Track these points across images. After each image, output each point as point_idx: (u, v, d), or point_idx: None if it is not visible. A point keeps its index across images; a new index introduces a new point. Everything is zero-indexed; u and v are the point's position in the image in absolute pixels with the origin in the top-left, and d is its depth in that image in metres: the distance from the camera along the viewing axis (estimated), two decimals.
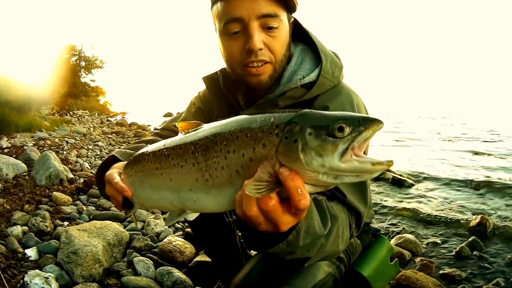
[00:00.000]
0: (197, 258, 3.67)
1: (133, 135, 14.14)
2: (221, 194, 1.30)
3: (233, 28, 1.82)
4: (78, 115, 18.63)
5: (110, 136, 13.55)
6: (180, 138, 1.50)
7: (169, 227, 4.48)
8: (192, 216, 1.64)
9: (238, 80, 1.98)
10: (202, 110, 2.38)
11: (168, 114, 24.64)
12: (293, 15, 2.00)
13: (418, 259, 4.28)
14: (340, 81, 2.01)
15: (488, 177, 9.11)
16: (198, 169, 1.33)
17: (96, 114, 21.65)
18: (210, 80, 2.25)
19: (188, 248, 3.75)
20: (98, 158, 8.89)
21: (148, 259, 3.47)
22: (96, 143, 11.27)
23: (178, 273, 3.21)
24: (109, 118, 20.83)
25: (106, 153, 9.65)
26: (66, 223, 4.39)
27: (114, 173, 1.77)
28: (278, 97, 1.93)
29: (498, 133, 20.48)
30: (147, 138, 2.32)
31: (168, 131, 2.39)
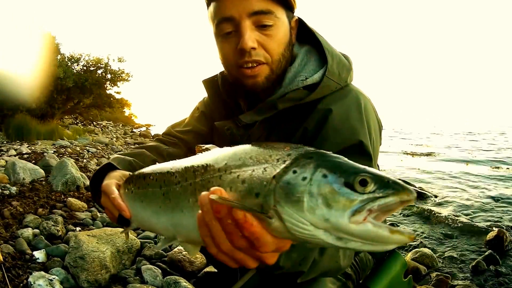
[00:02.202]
0: (207, 269, 3.51)
1: None
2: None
3: (225, 29, 1.68)
4: (102, 126, 18.71)
5: (132, 146, 13.55)
6: (189, 158, 1.39)
7: None
8: (193, 252, 1.35)
9: (236, 83, 1.83)
10: (205, 114, 2.25)
11: None
12: (302, 16, 1.86)
13: (434, 274, 4.15)
14: (348, 83, 1.83)
15: (507, 188, 9.03)
16: (193, 189, 1.20)
17: (121, 125, 21.74)
18: (209, 83, 2.12)
19: (199, 258, 3.58)
20: None
21: (156, 267, 3.33)
22: (117, 153, 11.24)
23: (185, 283, 3.06)
24: (133, 130, 20.93)
25: None
26: (78, 228, 4.29)
27: (112, 185, 1.63)
28: (278, 99, 1.76)
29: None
30: (148, 144, 2.21)
31: (170, 136, 2.26)
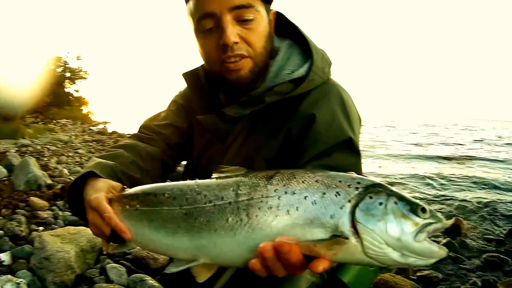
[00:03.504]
0: None
1: (112, 143, 13.91)
2: (250, 237, 1.19)
3: (206, 25, 1.66)
4: (61, 124, 18.37)
5: (90, 144, 13.34)
6: (219, 177, 1.38)
7: None
8: (204, 277, 1.37)
9: (219, 77, 1.80)
10: (184, 107, 2.17)
11: None
12: (278, 9, 1.85)
13: None
14: (329, 77, 1.85)
15: (459, 178, 9.24)
16: (235, 207, 1.22)
17: (79, 123, 21.39)
18: (190, 76, 2.05)
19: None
20: (77, 165, 8.66)
21: (121, 266, 3.31)
22: (76, 151, 11.06)
23: (151, 281, 3.06)
24: (91, 127, 20.58)
25: (85, 160, 9.44)
26: (41, 228, 4.19)
27: (103, 201, 1.50)
28: (264, 92, 1.75)
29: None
30: (126, 143, 2.07)
31: (148, 131, 2.14)
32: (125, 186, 1.64)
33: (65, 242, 3.22)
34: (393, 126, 33.77)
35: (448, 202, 7.06)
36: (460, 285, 4.01)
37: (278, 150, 1.76)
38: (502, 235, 5.49)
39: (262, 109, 1.76)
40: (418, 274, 4.14)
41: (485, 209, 6.56)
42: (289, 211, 1.14)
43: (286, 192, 1.16)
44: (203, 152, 2.03)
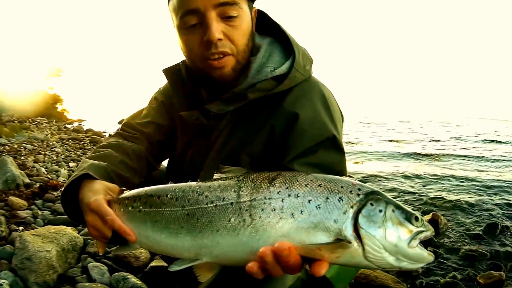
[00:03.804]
0: (152, 263, 3.48)
1: (88, 141, 13.75)
2: (254, 238, 1.22)
3: (190, 21, 1.66)
4: (37, 122, 18.11)
5: (66, 142, 13.14)
6: (220, 178, 1.39)
7: None
8: (205, 277, 1.40)
9: (201, 74, 1.81)
10: (164, 104, 2.19)
11: (121, 121, 24.11)
12: (260, 7, 1.88)
13: None
14: (311, 75, 1.88)
15: (435, 175, 9.33)
16: (237, 208, 1.24)
17: (54, 121, 21.12)
18: (171, 72, 2.06)
19: (143, 253, 3.54)
20: (54, 163, 8.54)
21: (102, 264, 3.27)
22: (53, 149, 10.89)
23: (134, 279, 3.05)
24: (66, 125, 20.33)
25: (62, 158, 9.32)
26: (21, 227, 4.13)
27: (104, 203, 1.54)
28: (246, 89, 1.77)
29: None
30: (112, 142, 2.07)
31: (130, 129, 2.16)
32: (123, 188, 1.65)
33: (46, 242, 3.19)
34: (367, 123, 33.95)
35: (425, 198, 7.12)
36: (439, 278, 4.07)
37: (262, 146, 1.78)
38: (479, 230, 5.56)
39: (245, 106, 1.77)
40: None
41: (463, 205, 6.63)
42: (294, 214, 1.18)
43: (289, 195, 1.20)
44: (187, 149, 2.04)
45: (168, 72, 2.07)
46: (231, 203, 1.26)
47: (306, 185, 1.22)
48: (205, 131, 1.90)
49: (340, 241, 1.14)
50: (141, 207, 1.47)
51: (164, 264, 3.40)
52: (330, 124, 1.73)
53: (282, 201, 1.20)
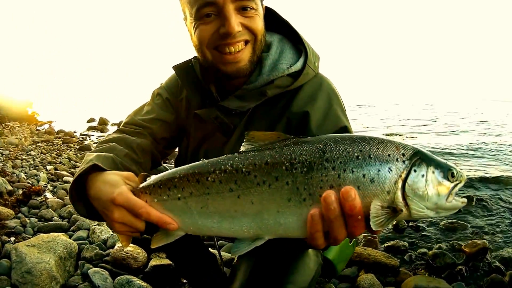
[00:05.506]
0: (152, 263, 3.40)
1: (61, 142, 13.54)
2: None
3: (206, 12, 1.63)
4: (9, 127, 17.74)
5: (40, 145, 12.90)
6: (262, 152, 1.30)
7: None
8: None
9: (210, 68, 1.79)
10: (170, 100, 2.11)
11: (91, 120, 23.83)
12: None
13: (361, 236, 4.37)
14: (318, 71, 1.90)
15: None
16: (294, 187, 1.21)
17: (26, 124, 20.74)
18: (183, 69, 2.00)
19: (141, 253, 3.46)
20: (32, 167, 8.31)
21: (102, 269, 3.17)
22: (28, 153, 10.66)
23: (138, 281, 2.96)
24: (37, 128, 20.00)
25: (39, 161, 9.11)
26: (12, 238, 3.96)
27: (131, 195, 1.41)
28: (264, 86, 1.77)
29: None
30: (114, 137, 1.96)
31: (133, 125, 2.05)
32: (146, 174, 1.51)
33: (42, 252, 3.06)
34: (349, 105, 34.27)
35: None
36: (426, 250, 4.17)
37: None
38: None
39: (261, 102, 1.79)
40: (386, 245, 4.33)
41: None
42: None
43: (345, 170, 1.20)
44: (201, 144, 2.02)
45: (179, 69, 2.02)
46: (286, 183, 1.22)
47: (357, 157, 1.21)
48: (222, 127, 1.87)
49: (392, 209, 1.20)
50: (179, 195, 1.36)
51: (164, 262, 3.31)
52: (342, 115, 1.77)
53: (338, 177, 1.20)
